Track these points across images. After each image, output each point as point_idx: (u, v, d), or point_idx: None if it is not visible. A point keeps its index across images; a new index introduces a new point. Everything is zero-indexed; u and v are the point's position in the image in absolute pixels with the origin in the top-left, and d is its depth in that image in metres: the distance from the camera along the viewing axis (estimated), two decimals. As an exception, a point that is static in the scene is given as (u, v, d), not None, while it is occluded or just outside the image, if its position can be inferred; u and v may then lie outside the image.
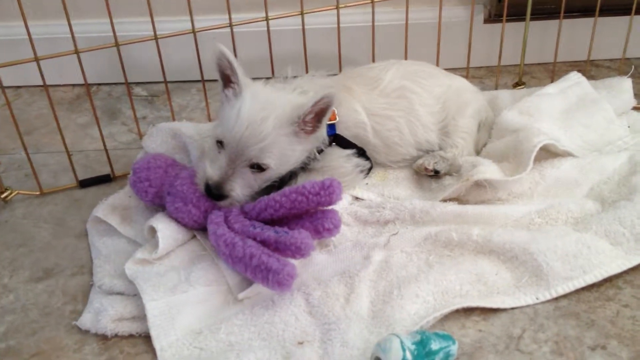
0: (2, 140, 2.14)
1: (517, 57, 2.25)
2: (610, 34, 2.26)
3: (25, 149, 1.85)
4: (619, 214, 1.60)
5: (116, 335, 1.45)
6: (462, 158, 1.82)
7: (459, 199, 1.73)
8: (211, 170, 1.60)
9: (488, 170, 1.71)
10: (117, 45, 1.85)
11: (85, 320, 1.47)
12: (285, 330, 1.42)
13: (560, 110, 1.93)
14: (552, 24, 2.21)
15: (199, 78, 2.01)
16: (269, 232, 1.51)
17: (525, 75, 2.32)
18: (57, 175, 1.97)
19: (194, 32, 1.92)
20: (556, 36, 2.15)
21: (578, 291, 1.48)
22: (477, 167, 1.72)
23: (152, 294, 1.48)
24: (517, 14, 2.20)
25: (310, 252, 1.51)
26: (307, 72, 1.87)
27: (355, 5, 2.09)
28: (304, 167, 1.72)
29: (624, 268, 1.51)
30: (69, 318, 1.51)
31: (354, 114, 1.77)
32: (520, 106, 1.91)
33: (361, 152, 1.78)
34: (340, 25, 2.04)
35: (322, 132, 1.68)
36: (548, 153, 1.78)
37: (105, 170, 1.95)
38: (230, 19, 1.93)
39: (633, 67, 2.25)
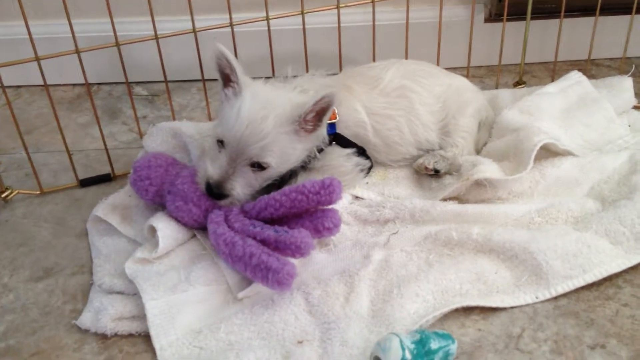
0: (3, 139, 2.15)
1: (517, 56, 2.25)
2: (611, 33, 2.26)
3: (26, 149, 1.85)
4: (619, 213, 1.60)
5: (116, 335, 1.45)
6: (462, 157, 1.82)
7: (459, 198, 1.73)
8: (212, 169, 1.60)
9: (488, 169, 1.71)
10: (117, 44, 1.85)
11: (85, 320, 1.47)
12: (285, 330, 1.42)
13: (561, 109, 1.93)
14: (553, 23, 2.21)
15: (200, 77, 2.01)
16: (269, 231, 1.51)
17: (526, 75, 2.32)
18: (57, 175, 1.97)
19: (194, 31, 1.92)
20: (557, 35, 2.15)
21: (578, 290, 1.48)
22: (477, 166, 1.72)
23: (152, 293, 1.48)
24: (517, 13, 2.20)
25: (310, 251, 1.51)
26: (307, 71, 1.87)
27: (356, 4, 2.09)
28: (304, 166, 1.72)
29: (624, 267, 1.51)
30: (69, 317, 1.51)
31: (354, 113, 1.77)
32: (520, 105, 1.91)
33: (361, 151, 1.78)
34: (341, 24, 2.04)
35: (323, 131, 1.68)
36: (548, 152, 1.78)
37: (105, 169, 1.95)
38: (230, 18, 1.94)
39: (634, 66, 2.25)
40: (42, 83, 1.80)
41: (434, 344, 1.31)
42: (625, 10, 2.13)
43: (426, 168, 1.80)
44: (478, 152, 1.89)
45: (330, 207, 1.59)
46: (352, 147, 1.77)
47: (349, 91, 1.78)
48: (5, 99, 1.80)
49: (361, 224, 1.69)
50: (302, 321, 1.44)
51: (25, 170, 1.97)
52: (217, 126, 1.66)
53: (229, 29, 1.94)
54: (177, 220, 1.63)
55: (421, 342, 1.31)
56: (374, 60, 2.08)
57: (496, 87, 2.24)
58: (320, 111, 1.60)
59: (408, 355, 1.27)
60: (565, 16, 2.13)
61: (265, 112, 1.57)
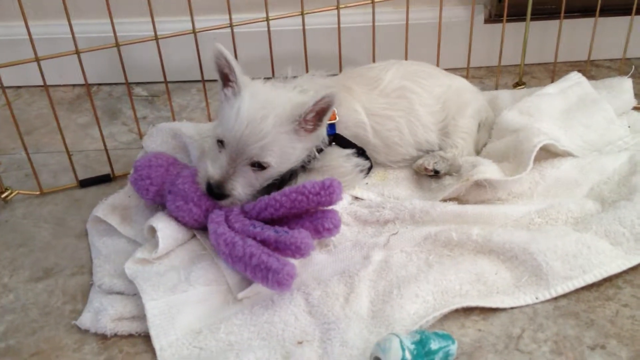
0: (3, 140, 2.14)
1: (517, 57, 2.25)
2: (611, 34, 2.26)
3: (26, 149, 1.85)
4: (619, 214, 1.60)
5: (116, 335, 1.45)
6: (462, 158, 1.82)
7: (458, 199, 1.73)
8: (212, 169, 1.60)
9: (488, 170, 1.71)
10: (117, 45, 1.85)
11: (85, 320, 1.47)
12: (285, 330, 1.42)
13: (561, 110, 1.93)
14: (553, 24, 2.21)
15: (199, 78, 2.01)
16: (269, 232, 1.51)
17: (526, 75, 2.32)
18: (57, 175, 1.97)
19: (194, 32, 1.92)
20: (556, 36, 2.15)
21: (578, 291, 1.48)
22: (477, 167, 1.72)
23: (152, 293, 1.48)
24: (517, 14, 2.20)
25: (310, 252, 1.51)
26: (307, 72, 1.87)
27: (356, 5, 2.09)
28: (304, 167, 1.72)
29: (624, 268, 1.51)
30: (69, 317, 1.51)
31: (354, 113, 1.77)
32: (520, 106, 1.91)
33: (361, 152, 1.78)
34: (341, 25, 2.04)
35: (323, 131, 1.68)
36: (548, 153, 1.78)
37: (105, 170, 1.95)
38: (230, 19, 1.94)
39: (633, 67, 2.25)
40: (42, 83, 1.80)
41: (434, 345, 1.31)
42: (625, 11, 2.14)
43: (426, 169, 1.80)
44: (478, 153, 1.89)
45: (330, 208, 1.59)
46: (352, 148, 1.77)
47: (348, 92, 1.79)
48: (5, 100, 1.80)
49: (361, 225, 1.69)
50: (302, 322, 1.44)
51: (25, 171, 1.97)
52: (217, 126, 1.66)
53: (228, 30, 1.94)
54: (178, 220, 1.63)
55: (421, 343, 1.31)
56: (373, 61, 2.08)
57: (496, 88, 2.24)
58: (320, 111, 1.60)
59: (408, 355, 1.27)
60: (565, 17, 2.13)
61: (264, 111, 1.57)
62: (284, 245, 1.48)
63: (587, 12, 2.24)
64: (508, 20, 2.14)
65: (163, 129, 1.95)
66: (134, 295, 1.51)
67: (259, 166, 1.61)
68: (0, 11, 2.29)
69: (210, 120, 2.12)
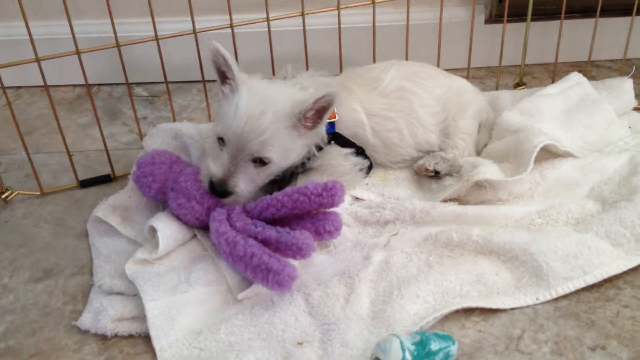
0: (3, 140, 2.14)
1: (517, 58, 2.25)
2: (611, 35, 2.26)
3: (26, 149, 1.85)
4: (619, 215, 1.60)
5: (116, 336, 1.45)
6: (462, 159, 1.82)
7: (459, 200, 1.73)
8: (214, 167, 1.60)
9: (488, 170, 1.71)
10: (118, 45, 1.85)
11: (85, 320, 1.47)
12: (285, 331, 1.42)
13: (561, 110, 1.93)
14: (553, 24, 2.21)
15: (200, 78, 2.01)
16: (271, 232, 1.51)
17: (526, 76, 2.32)
18: (57, 176, 1.97)
19: (194, 32, 1.92)
20: (557, 37, 2.15)
21: (578, 292, 1.48)
22: (477, 168, 1.72)
23: (152, 294, 1.48)
24: (517, 15, 2.20)
25: (311, 253, 1.51)
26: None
27: (356, 6, 2.08)
28: (304, 165, 1.72)
29: (625, 269, 1.51)
30: (69, 318, 1.51)
31: (353, 113, 1.77)
32: (520, 107, 1.91)
33: (360, 151, 1.78)
34: (341, 26, 2.03)
35: (322, 129, 1.68)
36: (549, 153, 1.78)
37: (105, 170, 1.95)
38: (231, 19, 1.94)
39: (634, 67, 2.24)
40: (42, 84, 1.80)
41: (434, 345, 1.31)
42: (626, 11, 2.13)
43: (426, 169, 1.80)
44: (478, 153, 1.89)
45: (332, 210, 1.59)
46: (351, 147, 1.77)
47: (348, 92, 1.78)
48: (5, 100, 1.80)
49: (361, 225, 1.69)
50: (302, 322, 1.44)
51: (25, 171, 1.97)
52: (216, 124, 1.66)
53: (229, 30, 1.94)
54: (179, 218, 1.63)
55: (421, 344, 1.31)
56: (374, 61, 2.08)
57: (496, 89, 2.24)
58: (320, 109, 1.60)
59: (408, 356, 1.27)
60: (566, 17, 2.13)
61: (263, 106, 1.57)
62: (285, 246, 1.48)
63: (587, 12, 2.24)
64: (508, 21, 2.14)
65: (163, 130, 1.94)
66: (134, 295, 1.51)
67: (260, 162, 1.60)
68: (0, 11, 2.29)
69: (210, 120, 2.11)
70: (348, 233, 1.65)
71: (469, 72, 2.19)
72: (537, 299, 1.47)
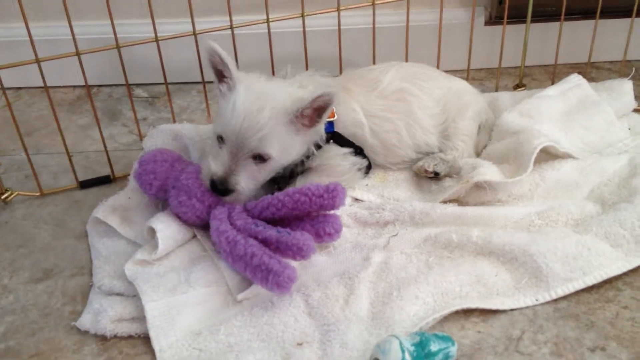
0: (3, 141, 2.15)
1: (517, 59, 2.25)
2: (611, 36, 2.26)
3: (26, 150, 1.85)
4: (619, 216, 1.60)
5: (115, 336, 1.45)
6: (462, 160, 1.82)
7: (458, 201, 1.73)
8: (215, 165, 1.60)
9: (488, 172, 1.71)
10: (117, 46, 1.85)
11: (85, 321, 1.47)
12: (285, 332, 1.42)
13: (561, 112, 1.93)
14: (553, 26, 2.21)
15: (200, 80, 2.01)
16: (271, 232, 1.51)
17: (526, 77, 2.32)
18: (57, 176, 1.97)
19: (194, 34, 1.92)
20: (557, 38, 2.15)
21: (578, 293, 1.48)
22: (477, 169, 1.72)
23: (152, 294, 1.48)
24: (517, 16, 2.20)
25: (311, 254, 1.51)
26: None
27: (356, 7, 2.08)
28: (303, 164, 1.72)
29: (624, 270, 1.51)
30: (69, 319, 1.51)
31: (352, 113, 1.77)
32: (520, 108, 1.91)
33: (359, 151, 1.78)
34: (341, 27, 2.04)
35: (321, 127, 1.68)
36: (548, 155, 1.78)
37: (105, 171, 1.95)
38: (231, 21, 1.94)
39: (634, 69, 2.25)
40: (42, 85, 1.80)
41: (433, 346, 1.31)
42: (626, 13, 2.14)
43: (426, 171, 1.80)
44: (478, 154, 1.89)
45: (332, 212, 1.59)
46: (350, 147, 1.77)
47: (347, 92, 1.79)
48: (5, 101, 1.80)
49: (361, 226, 1.69)
50: (301, 323, 1.44)
51: (25, 172, 1.97)
52: (216, 123, 1.67)
53: (229, 32, 1.94)
54: (179, 217, 1.63)
55: (421, 345, 1.31)
56: (374, 62, 2.08)
57: (496, 90, 2.24)
58: (319, 108, 1.60)
59: (408, 357, 1.27)
60: (566, 19, 2.13)
61: (260, 103, 1.58)
62: (285, 246, 1.48)
63: (587, 14, 2.24)
64: (508, 22, 2.14)
65: (163, 131, 1.94)
66: (134, 296, 1.51)
67: (260, 159, 1.60)
68: (0, 12, 2.29)
69: (210, 122, 2.11)
70: (348, 234, 1.65)
71: (468, 74, 2.19)
72: (536, 300, 1.47)
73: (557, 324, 1.42)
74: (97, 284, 1.56)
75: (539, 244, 1.53)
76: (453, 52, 2.26)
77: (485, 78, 2.36)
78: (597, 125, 1.90)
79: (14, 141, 2.07)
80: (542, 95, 1.98)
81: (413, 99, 1.83)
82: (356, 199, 1.77)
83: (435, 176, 1.80)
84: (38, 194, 1.89)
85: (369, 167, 1.83)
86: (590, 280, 1.49)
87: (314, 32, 2.11)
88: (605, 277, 1.50)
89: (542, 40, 2.32)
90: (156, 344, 1.40)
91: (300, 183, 1.71)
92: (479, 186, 1.71)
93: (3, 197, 1.86)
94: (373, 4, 2.04)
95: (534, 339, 1.40)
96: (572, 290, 1.48)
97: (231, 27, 1.94)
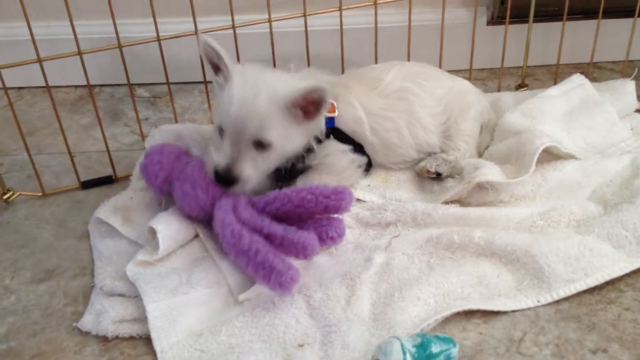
0: (5, 141, 2.15)
1: (519, 59, 2.24)
2: (613, 36, 2.26)
3: (28, 150, 1.85)
4: (621, 217, 1.60)
5: (117, 337, 1.45)
6: (464, 160, 1.82)
7: (460, 201, 1.73)
8: (217, 157, 1.60)
9: (490, 172, 1.71)
10: (119, 46, 1.85)
11: (86, 322, 1.47)
12: (286, 333, 1.42)
13: (563, 112, 1.93)
14: (555, 26, 2.21)
15: (202, 79, 2.01)
16: (277, 227, 1.50)
17: (528, 77, 2.32)
18: (59, 177, 1.97)
19: (196, 33, 1.92)
20: (559, 38, 2.14)
21: (579, 294, 1.48)
22: (479, 170, 1.72)
23: (153, 295, 1.48)
24: (520, 16, 2.19)
25: (314, 255, 1.51)
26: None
27: (358, 6, 2.08)
28: (304, 159, 1.72)
29: (626, 271, 1.51)
30: (70, 319, 1.51)
31: (352, 109, 1.77)
32: (522, 108, 1.91)
33: (359, 148, 1.78)
34: (343, 26, 2.03)
35: (321, 122, 1.68)
36: (550, 155, 1.78)
37: (107, 171, 1.95)
38: (232, 20, 1.93)
39: (636, 69, 2.24)
40: (44, 84, 1.80)
41: (435, 348, 1.31)
42: (628, 13, 2.13)
43: (428, 171, 1.80)
44: (480, 155, 1.89)
45: (336, 216, 1.59)
46: (350, 144, 1.77)
47: (347, 90, 1.78)
48: (7, 101, 1.80)
49: (363, 227, 1.69)
50: (303, 324, 1.44)
51: (27, 172, 1.97)
52: (215, 115, 1.67)
53: (231, 31, 1.94)
54: (184, 208, 1.62)
55: (422, 346, 1.30)
56: (376, 62, 2.08)
57: (498, 90, 2.24)
58: (313, 102, 1.59)
59: (409, 358, 1.27)
60: (568, 19, 2.12)
61: (256, 90, 1.58)
62: (289, 242, 1.48)
63: (589, 14, 2.23)
64: (510, 22, 2.13)
65: (165, 131, 1.94)
66: (135, 297, 1.51)
67: (261, 146, 1.60)
68: (1, 12, 2.29)
69: (212, 122, 2.11)
70: (349, 235, 1.65)
71: (471, 74, 2.19)
72: (538, 302, 1.47)
73: (559, 326, 1.42)
74: (99, 284, 1.56)
75: (541, 245, 1.53)
76: (455, 52, 2.25)
77: (488, 78, 2.36)
78: (599, 125, 1.90)
79: (16, 141, 2.07)
80: (544, 95, 1.98)
81: (414, 98, 1.83)
82: (358, 200, 1.77)
83: (438, 177, 1.80)
84: (40, 194, 1.89)
85: (369, 166, 1.82)
86: (592, 282, 1.49)
87: (316, 32, 2.11)
88: (607, 278, 1.49)
89: (544, 40, 2.31)
90: (157, 345, 1.40)
91: (301, 183, 1.71)
92: (481, 187, 1.70)
93: (5, 197, 1.87)
94: (375, 4, 2.03)
95: (536, 340, 1.40)
96: (574, 291, 1.48)
97: (233, 27, 1.94)
